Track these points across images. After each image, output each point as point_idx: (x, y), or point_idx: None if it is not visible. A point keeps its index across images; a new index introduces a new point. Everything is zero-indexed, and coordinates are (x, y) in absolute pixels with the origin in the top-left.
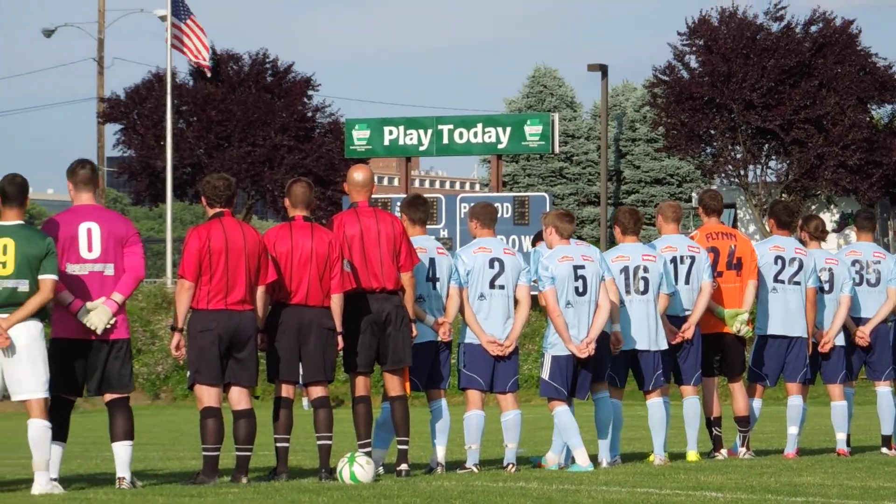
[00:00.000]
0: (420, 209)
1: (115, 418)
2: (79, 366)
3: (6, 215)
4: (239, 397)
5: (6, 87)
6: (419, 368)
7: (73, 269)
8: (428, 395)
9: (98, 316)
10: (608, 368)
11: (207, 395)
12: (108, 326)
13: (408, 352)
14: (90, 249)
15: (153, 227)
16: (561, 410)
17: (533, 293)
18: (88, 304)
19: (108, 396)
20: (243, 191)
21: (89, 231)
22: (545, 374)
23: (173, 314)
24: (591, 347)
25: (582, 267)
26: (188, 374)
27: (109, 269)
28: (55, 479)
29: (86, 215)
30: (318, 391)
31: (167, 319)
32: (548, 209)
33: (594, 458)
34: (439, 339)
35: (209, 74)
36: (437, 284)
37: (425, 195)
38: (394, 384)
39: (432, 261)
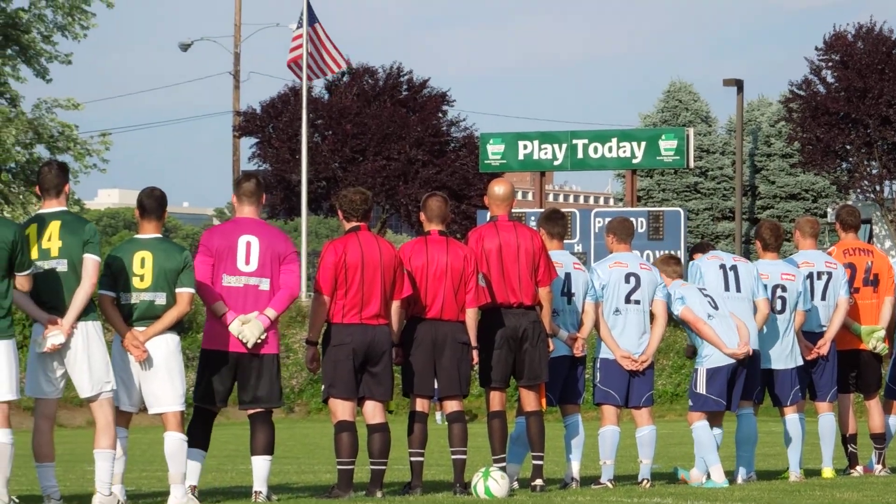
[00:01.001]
0: (558, 223)
1: (256, 432)
2: (226, 378)
3: (144, 228)
4: (373, 411)
5: (144, 101)
6: (553, 383)
7: (228, 280)
8: (563, 410)
9: (250, 329)
10: (758, 387)
11: (342, 408)
12: (259, 341)
13: (544, 368)
14: (248, 262)
15: None
16: (700, 425)
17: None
18: (241, 317)
19: (252, 410)
20: (378, 205)
21: (248, 244)
22: (702, 388)
23: (309, 328)
24: (749, 348)
25: (704, 288)
26: (323, 387)
27: (265, 284)
28: (195, 486)
29: (246, 228)
30: (452, 405)
31: (301, 333)
32: (682, 224)
33: (729, 474)
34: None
35: (322, 76)
36: (573, 299)
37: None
38: (529, 399)
39: (568, 275)
